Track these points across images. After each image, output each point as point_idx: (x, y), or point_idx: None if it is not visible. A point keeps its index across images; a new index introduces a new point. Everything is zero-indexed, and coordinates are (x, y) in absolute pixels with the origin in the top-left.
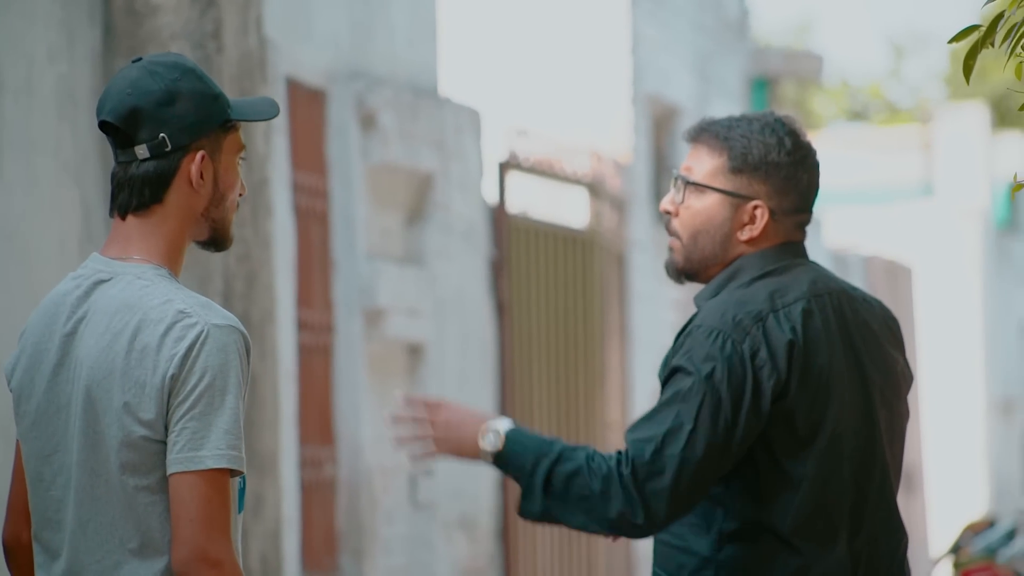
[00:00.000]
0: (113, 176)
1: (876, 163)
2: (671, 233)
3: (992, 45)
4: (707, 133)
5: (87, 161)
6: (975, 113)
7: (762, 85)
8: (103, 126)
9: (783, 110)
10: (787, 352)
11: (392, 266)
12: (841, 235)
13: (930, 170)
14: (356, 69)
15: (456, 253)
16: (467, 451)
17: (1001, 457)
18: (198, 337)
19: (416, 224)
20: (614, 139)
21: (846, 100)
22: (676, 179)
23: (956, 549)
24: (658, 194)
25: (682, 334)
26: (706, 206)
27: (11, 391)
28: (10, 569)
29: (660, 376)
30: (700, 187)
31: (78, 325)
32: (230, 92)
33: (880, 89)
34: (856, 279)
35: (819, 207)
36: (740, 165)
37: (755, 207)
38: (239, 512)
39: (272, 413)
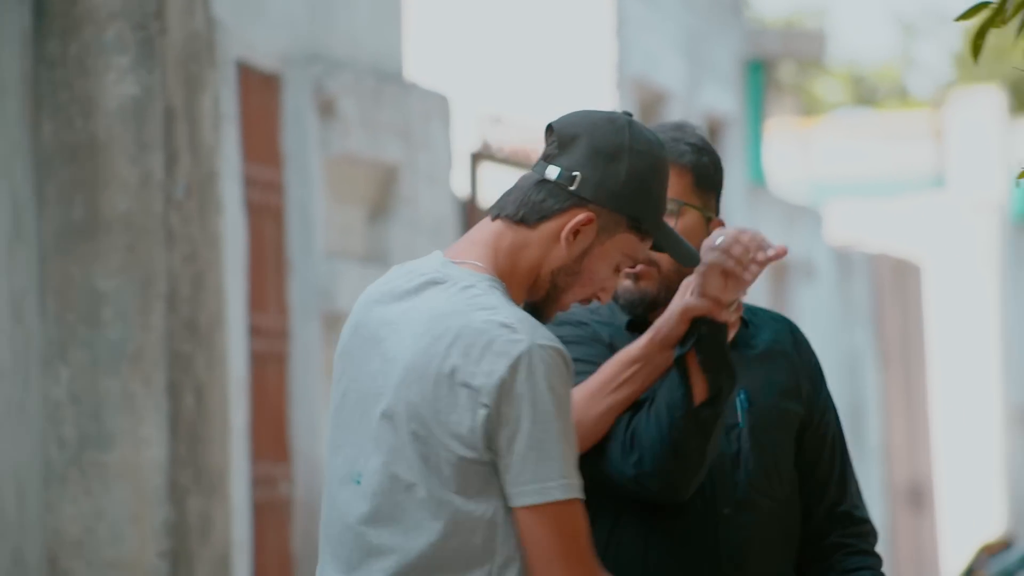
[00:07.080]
0: (520, 178)
1: (882, 152)
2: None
3: (1004, 23)
4: None
5: (16, 152)
6: (990, 97)
7: (758, 68)
8: (548, 129)
9: (781, 95)
10: None
11: (353, 266)
12: (844, 231)
13: (941, 159)
14: (313, 52)
15: (423, 251)
16: None
17: (1019, 472)
18: (520, 356)
19: (379, 220)
20: None
21: (853, 85)
22: None
23: (970, 572)
24: None
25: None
26: None
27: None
28: None
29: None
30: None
31: (400, 316)
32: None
33: (894, 72)
34: (861, 278)
35: (821, 200)
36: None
37: None
38: None
39: (221, 427)
